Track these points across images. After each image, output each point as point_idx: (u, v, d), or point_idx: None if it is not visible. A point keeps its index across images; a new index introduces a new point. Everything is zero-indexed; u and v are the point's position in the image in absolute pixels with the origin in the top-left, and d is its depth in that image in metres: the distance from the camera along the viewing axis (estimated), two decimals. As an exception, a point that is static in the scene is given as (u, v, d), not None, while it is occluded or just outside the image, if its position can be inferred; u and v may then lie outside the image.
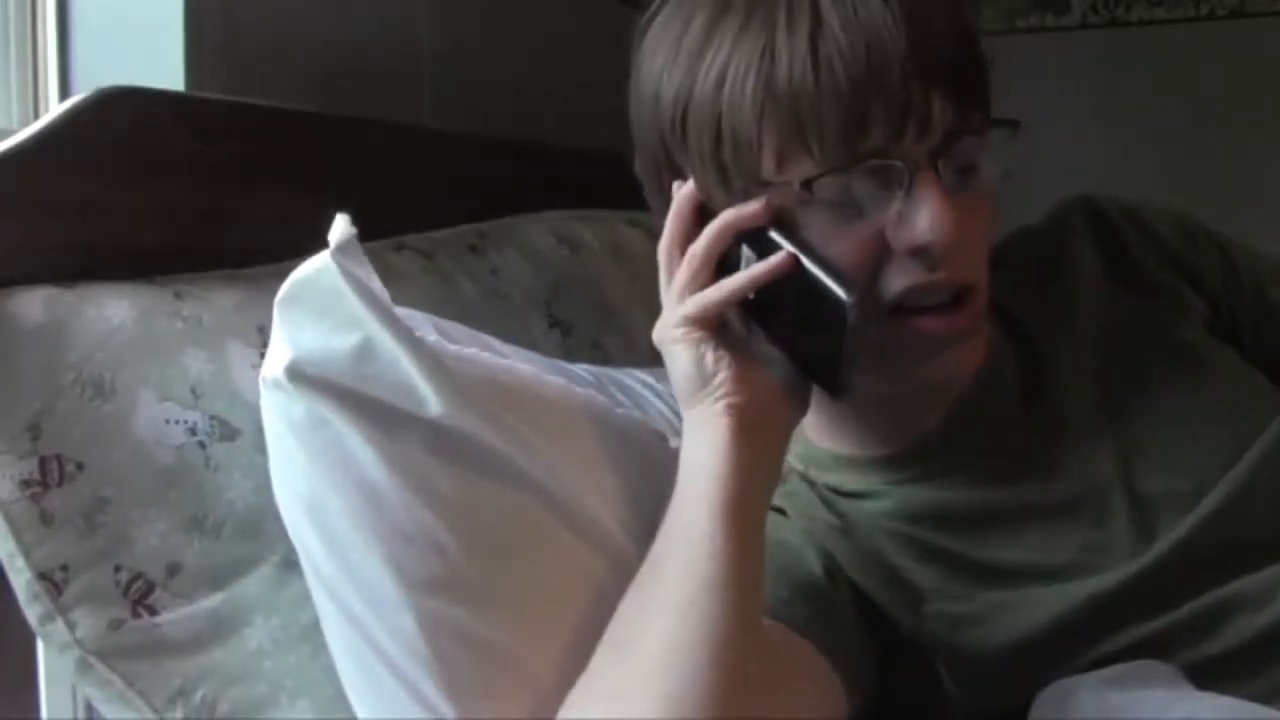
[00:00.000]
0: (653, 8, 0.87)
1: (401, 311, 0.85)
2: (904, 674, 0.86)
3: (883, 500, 0.90)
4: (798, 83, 0.78)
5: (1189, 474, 0.85)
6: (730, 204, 0.81)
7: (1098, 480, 0.86)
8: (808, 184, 0.79)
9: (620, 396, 1.05)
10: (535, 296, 1.26)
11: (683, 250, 0.82)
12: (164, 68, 1.17)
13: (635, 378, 1.11)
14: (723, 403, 0.78)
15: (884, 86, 0.77)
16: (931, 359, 0.83)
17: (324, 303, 0.80)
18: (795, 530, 0.88)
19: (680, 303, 0.80)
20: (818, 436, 0.95)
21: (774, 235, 0.80)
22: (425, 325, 0.91)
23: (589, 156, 1.47)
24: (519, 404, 0.88)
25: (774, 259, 0.79)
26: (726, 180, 0.82)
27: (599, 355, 1.25)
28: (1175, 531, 0.83)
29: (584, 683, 0.75)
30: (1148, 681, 0.77)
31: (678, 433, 1.02)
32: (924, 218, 0.78)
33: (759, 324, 0.82)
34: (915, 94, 0.78)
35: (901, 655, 0.85)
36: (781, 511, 0.90)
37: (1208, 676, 0.78)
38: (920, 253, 0.79)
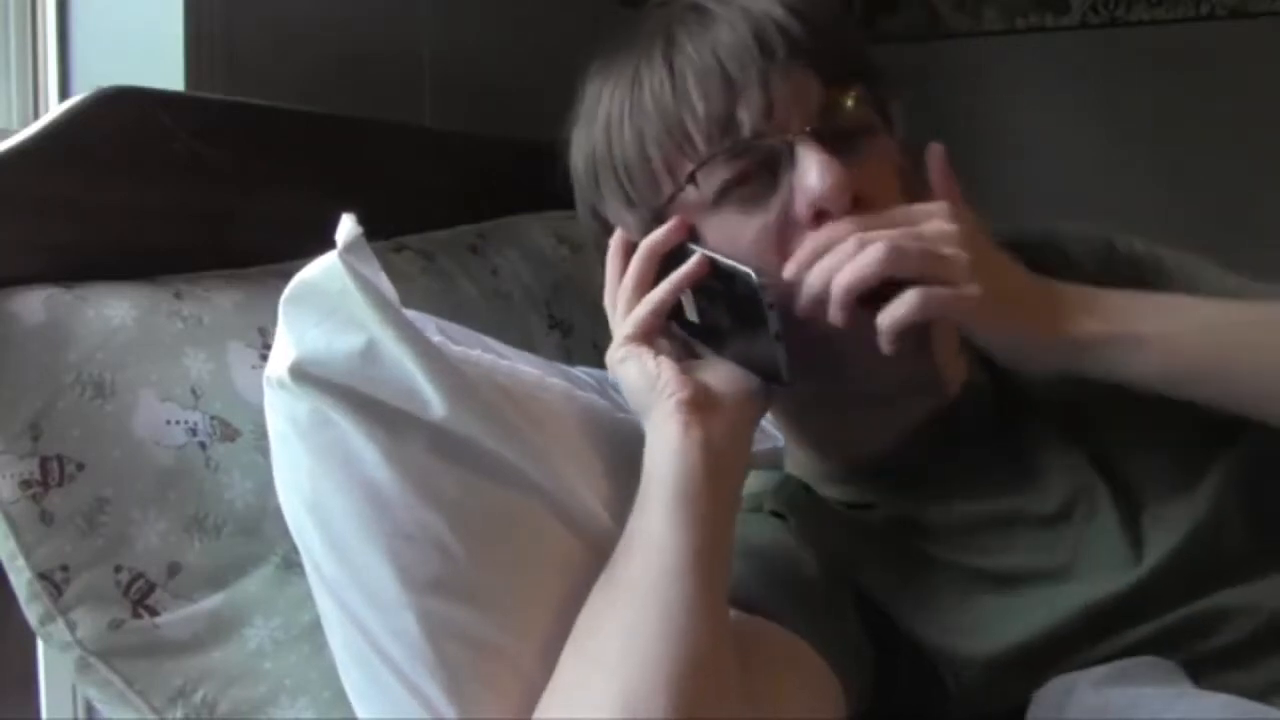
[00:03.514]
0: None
1: (407, 313, 0.85)
2: (905, 675, 0.86)
3: (877, 509, 0.91)
4: (660, 98, 0.85)
5: (1170, 484, 0.86)
6: (650, 233, 0.87)
7: (1085, 486, 0.87)
8: (691, 178, 0.84)
9: (620, 400, 1.05)
10: (535, 296, 1.26)
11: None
12: (164, 68, 1.17)
13: (636, 379, 1.11)
14: (673, 400, 0.80)
15: (738, 78, 0.82)
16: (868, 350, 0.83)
17: (330, 303, 0.80)
18: (793, 533, 0.89)
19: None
20: (808, 453, 0.96)
21: (691, 247, 0.85)
22: (429, 326, 0.91)
23: (589, 156, 1.47)
24: (522, 407, 0.88)
25: (689, 262, 0.84)
26: (641, 211, 0.88)
27: (599, 356, 1.24)
28: (1166, 540, 0.84)
29: (553, 681, 0.75)
30: (1146, 678, 0.77)
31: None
32: (810, 175, 0.81)
33: (710, 345, 0.87)
34: (773, 78, 0.82)
35: (902, 656, 0.85)
36: (780, 516, 0.90)
37: (1205, 672, 0.78)
38: (821, 214, 0.82)
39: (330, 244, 0.80)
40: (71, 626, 0.84)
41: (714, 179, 0.84)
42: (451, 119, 1.50)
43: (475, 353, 0.91)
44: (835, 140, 0.82)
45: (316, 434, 0.80)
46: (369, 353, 0.80)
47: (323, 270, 0.80)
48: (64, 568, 0.85)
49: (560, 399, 0.94)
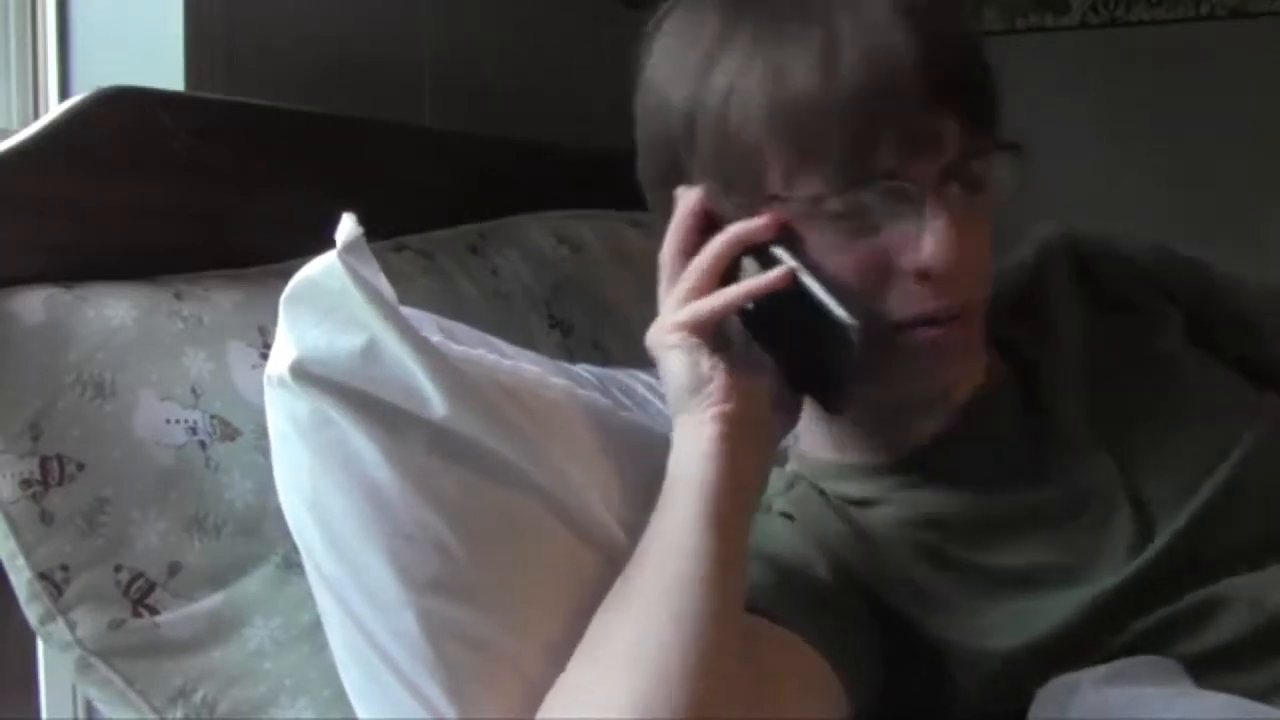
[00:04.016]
0: (660, 12, 0.87)
1: (405, 311, 0.85)
2: (912, 675, 0.85)
3: (892, 506, 0.90)
4: (808, 100, 0.77)
5: (1179, 477, 0.86)
6: (736, 213, 0.81)
7: (1098, 485, 0.87)
8: (816, 201, 0.79)
9: (623, 398, 1.04)
10: (535, 296, 1.26)
11: (685, 256, 0.82)
12: (164, 68, 1.17)
13: (637, 379, 1.11)
14: (712, 410, 0.78)
15: (895, 106, 0.77)
16: (927, 371, 0.84)
17: (330, 302, 0.80)
18: (801, 534, 0.88)
19: (678, 309, 0.81)
20: (820, 449, 0.95)
21: (777, 252, 0.80)
22: (429, 325, 0.91)
23: (589, 156, 1.47)
24: (523, 406, 0.88)
25: (773, 273, 0.79)
26: (733, 191, 0.82)
27: (599, 355, 1.25)
28: (1173, 525, 0.83)
29: (559, 682, 0.75)
30: (1148, 678, 0.77)
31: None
32: (932, 243, 0.78)
33: (758, 336, 0.83)
34: (928, 115, 0.78)
35: (910, 656, 0.85)
36: (789, 517, 0.90)
37: (1207, 671, 0.78)
38: (927, 276, 0.79)
39: (330, 244, 0.80)
40: (71, 626, 0.84)
41: (835, 207, 0.79)
42: (451, 119, 1.50)
43: (477, 352, 0.91)
44: (956, 192, 0.80)
45: (317, 433, 0.80)
46: (370, 352, 0.80)
47: (323, 269, 0.80)
48: (64, 567, 0.85)
49: (563, 398, 0.94)
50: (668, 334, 0.80)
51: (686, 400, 0.80)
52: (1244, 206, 2.19)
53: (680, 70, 0.83)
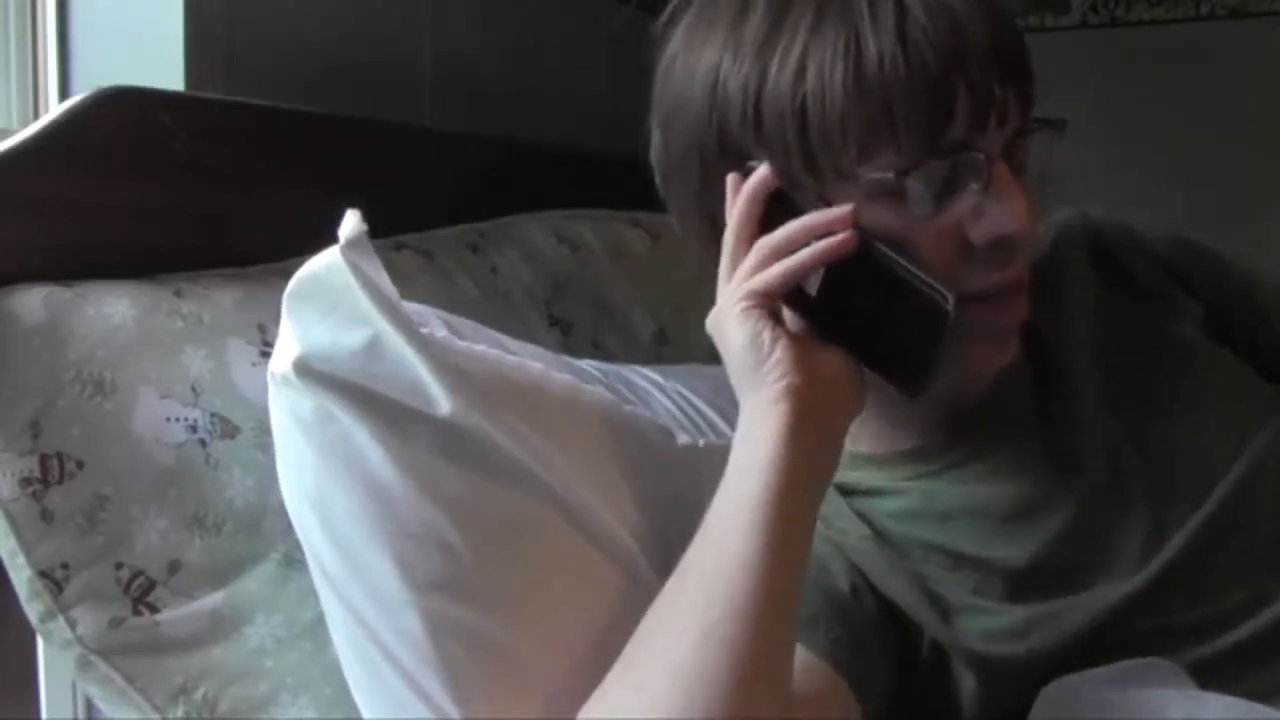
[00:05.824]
0: None
1: (410, 307, 0.85)
2: (917, 676, 0.85)
3: (904, 498, 0.88)
4: (889, 72, 0.76)
5: (1195, 468, 0.85)
6: (812, 189, 0.80)
7: (1113, 471, 0.86)
8: (900, 177, 0.77)
9: (627, 393, 1.04)
10: (535, 296, 1.26)
11: (750, 237, 0.79)
12: (164, 68, 1.17)
13: (640, 374, 1.11)
14: (781, 384, 0.75)
15: (970, 76, 0.76)
16: (987, 350, 0.83)
17: (334, 298, 0.80)
18: (823, 539, 0.85)
19: (741, 285, 0.78)
20: None
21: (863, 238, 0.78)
22: (434, 320, 0.91)
23: (589, 156, 1.47)
24: (528, 403, 0.88)
25: (841, 236, 0.77)
26: (806, 169, 0.79)
27: (599, 355, 1.25)
28: (1189, 522, 0.83)
29: (598, 696, 0.73)
30: (1150, 679, 0.77)
31: (684, 429, 1.02)
32: (1006, 210, 0.78)
33: (823, 321, 0.80)
34: (996, 85, 0.78)
35: (918, 658, 0.85)
36: None
37: (1209, 674, 0.78)
38: (1000, 244, 0.79)
39: (331, 243, 0.80)
40: (72, 624, 0.84)
41: (916, 181, 0.78)
42: (451, 119, 1.50)
43: (480, 347, 0.90)
44: (1015, 163, 0.80)
45: (320, 430, 0.80)
46: (373, 348, 0.80)
47: (325, 266, 0.80)
48: (64, 565, 0.85)
49: (567, 393, 0.94)
50: (731, 305, 0.77)
51: (751, 374, 0.76)
52: (1244, 206, 2.19)
53: (733, 52, 0.81)
